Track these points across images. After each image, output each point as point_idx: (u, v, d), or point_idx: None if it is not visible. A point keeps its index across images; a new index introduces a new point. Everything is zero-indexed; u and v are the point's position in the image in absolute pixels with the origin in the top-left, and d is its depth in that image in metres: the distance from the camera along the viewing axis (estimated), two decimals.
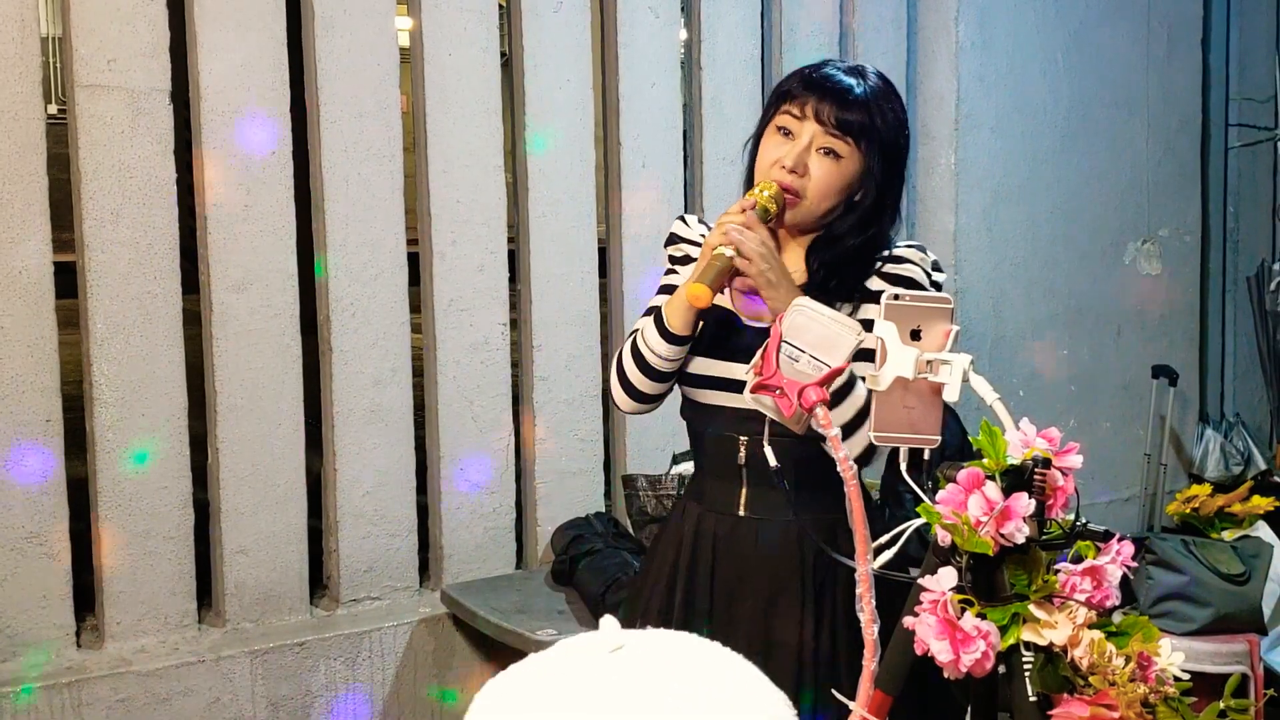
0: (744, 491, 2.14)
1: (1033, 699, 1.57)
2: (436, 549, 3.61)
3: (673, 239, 2.27)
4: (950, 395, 1.66)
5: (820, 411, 1.67)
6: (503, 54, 3.65)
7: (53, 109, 3.56)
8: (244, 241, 3.25)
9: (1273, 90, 5.16)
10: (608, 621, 1.02)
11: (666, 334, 2.10)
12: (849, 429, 1.98)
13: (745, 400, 1.98)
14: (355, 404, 3.43)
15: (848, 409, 2.00)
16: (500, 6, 3.65)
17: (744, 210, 2.05)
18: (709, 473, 2.19)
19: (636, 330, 2.16)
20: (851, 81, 2.09)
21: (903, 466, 1.69)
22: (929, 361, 1.66)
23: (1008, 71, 4.43)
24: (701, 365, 2.13)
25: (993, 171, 4.43)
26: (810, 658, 2.13)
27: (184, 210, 3.17)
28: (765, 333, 2.11)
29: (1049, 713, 1.54)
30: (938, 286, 2.15)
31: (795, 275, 2.11)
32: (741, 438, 2.11)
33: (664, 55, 3.83)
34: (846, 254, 2.12)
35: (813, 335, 1.74)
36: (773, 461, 1.82)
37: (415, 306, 3.52)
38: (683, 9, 3.94)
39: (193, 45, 3.19)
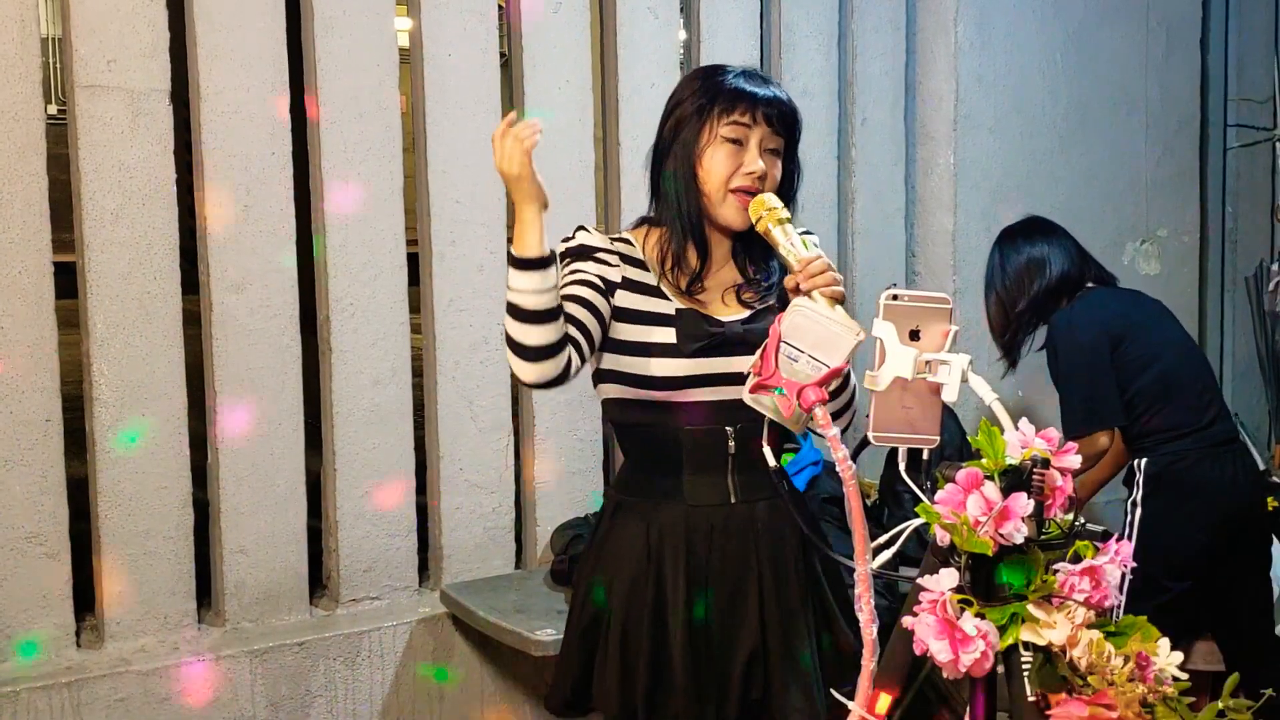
0: (734, 479, 2.19)
1: (1031, 698, 1.57)
2: (436, 549, 3.61)
3: (584, 250, 2.23)
4: (949, 395, 1.66)
5: (819, 412, 1.67)
6: (502, 54, 3.66)
7: (53, 109, 3.55)
8: (243, 242, 3.25)
9: (1271, 91, 5.16)
10: None
11: (520, 263, 2.06)
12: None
13: (731, 393, 2.00)
14: (355, 404, 3.43)
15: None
16: (499, 7, 3.65)
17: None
18: (690, 468, 2.20)
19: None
20: (771, 84, 2.21)
21: (901, 466, 1.70)
22: (928, 362, 1.66)
23: (1006, 72, 4.44)
24: (684, 366, 2.15)
25: (991, 172, 4.43)
26: (812, 618, 2.24)
27: (184, 210, 3.17)
28: (740, 325, 2.15)
29: (1048, 712, 1.54)
30: None
31: (726, 273, 2.20)
32: (728, 428, 2.15)
33: (663, 56, 3.83)
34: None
35: (812, 336, 1.75)
36: (773, 462, 1.83)
37: (415, 306, 3.52)
38: (682, 10, 3.93)
39: (192, 46, 3.19)
